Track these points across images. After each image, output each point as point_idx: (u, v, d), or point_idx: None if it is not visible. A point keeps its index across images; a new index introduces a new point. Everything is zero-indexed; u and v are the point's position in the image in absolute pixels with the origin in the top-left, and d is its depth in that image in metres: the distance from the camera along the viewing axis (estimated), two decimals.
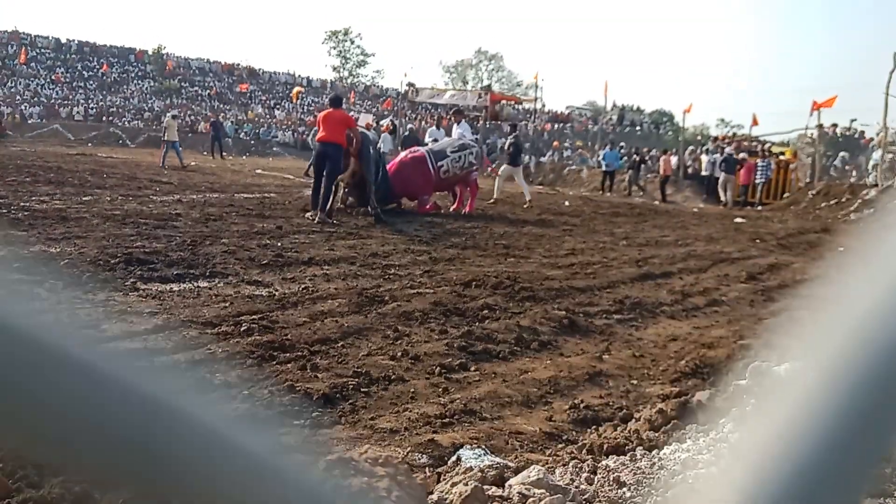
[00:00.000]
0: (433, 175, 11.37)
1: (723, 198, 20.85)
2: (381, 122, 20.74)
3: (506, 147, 15.01)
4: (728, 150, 22.75)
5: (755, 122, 27.81)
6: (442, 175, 11.45)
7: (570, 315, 5.06)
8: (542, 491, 1.64)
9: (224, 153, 26.90)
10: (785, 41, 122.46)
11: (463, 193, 12.27)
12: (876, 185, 17.19)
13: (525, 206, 13.63)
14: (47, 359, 0.33)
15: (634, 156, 24.51)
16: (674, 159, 22.89)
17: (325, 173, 9.56)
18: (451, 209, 12.11)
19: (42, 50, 51.43)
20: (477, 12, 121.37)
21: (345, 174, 10.18)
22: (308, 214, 9.38)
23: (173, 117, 21.13)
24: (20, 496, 2.13)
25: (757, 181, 21.41)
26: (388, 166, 11.32)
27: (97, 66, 51.26)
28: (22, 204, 8.29)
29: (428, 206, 11.53)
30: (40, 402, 0.33)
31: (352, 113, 24.04)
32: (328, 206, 9.45)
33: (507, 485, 1.77)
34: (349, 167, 10.15)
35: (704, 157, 23.71)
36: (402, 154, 12.05)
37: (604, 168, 23.15)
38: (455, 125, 13.40)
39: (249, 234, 7.57)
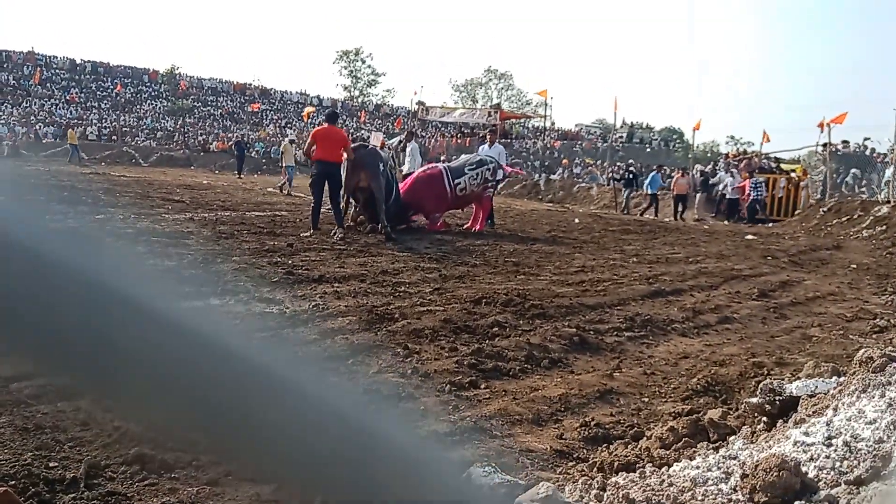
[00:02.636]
0: (449, 193, 11.30)
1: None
2: (391, 141, 20.81)
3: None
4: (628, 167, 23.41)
5: (766, 139, 27.74)
6: (458, 192, 11.39)
7: (581, 332, 5.05)
8: None
9: (237, 172, 27.10)
10: (795, 57, 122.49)
11: (478, 211, 12.23)
12: (888, 202, 17.10)
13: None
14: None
15: (627, 173, 24.35)
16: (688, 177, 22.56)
17: (329, 192, 9.81)
18: (465, 227, 12.07)
19: (57, 70, 52.11)
20: (487, 31, 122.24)
21: (356, 193, 10.29)
22: (308, 234, 9.44)
23: (290, 142, 20.83)
24: None
25: (752, 198, 21.35)
26: (401, 183, 11.35)
27: (111, 87, 51.87)
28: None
29: (438, 224, 11.52)
30: None
31: (362, 131, 24.25)
32: (343, 222, 9.65)
33: (516, 501, 1.77)
34: (357, 181, 10.19)
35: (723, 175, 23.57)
36: (419, 170, 12.04)
37: (648, 192, 22.40)
38: (488, 145, 13.45)
39: (260, 252, 7.61)
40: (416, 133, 20.94)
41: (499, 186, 13.34)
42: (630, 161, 31.47)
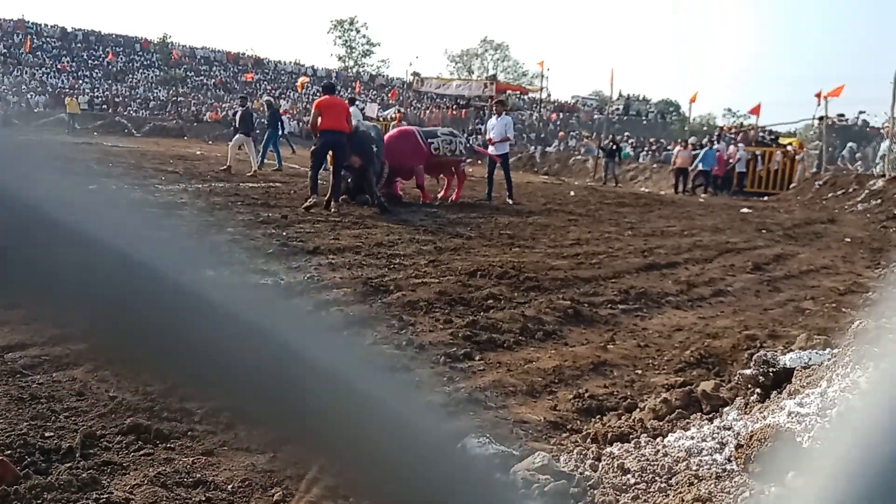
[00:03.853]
0: (424, 148, 11.34)
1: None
2: (388, 112, 20.60)
3: (238, 117, 16.11)
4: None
5: (756, 111, 27.34)
6: (433, 151, 11.44)
7: (575, 305, 5.06)
8: (547, 477, 1.65)
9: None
10: (792, 29, 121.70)
11: (450, 182, 12.36)
12: (883, 176, 17.10)
13: (248, 174, 14.33)
14: None
15: (610, 144, 24.14)
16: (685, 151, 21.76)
17: (333, 162, 9.58)
18: (438, 196, 12.11)
19: (47, 39, 51.44)
20: (483, 1, 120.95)
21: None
22: (308, 202, 9.36)
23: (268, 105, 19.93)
24: (28, 482, 2.15)
25: (700, 169, 21.01)
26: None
27: (102, 56, 51.27)
28: None
29: (444, 194, 11.66)
30: None
31: (357, 103, 24.10)
32: (339, 196, 9.53)
33: (511, 471, 1.78)
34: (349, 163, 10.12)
35: (732, 148, 23.17)
36: (389, 133, 12.05)
37: (700, 168, 21.08)
38: (496, 116, 13.53)
39: (254, 224, 7.58)
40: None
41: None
42: (626, 133, 31.34)
